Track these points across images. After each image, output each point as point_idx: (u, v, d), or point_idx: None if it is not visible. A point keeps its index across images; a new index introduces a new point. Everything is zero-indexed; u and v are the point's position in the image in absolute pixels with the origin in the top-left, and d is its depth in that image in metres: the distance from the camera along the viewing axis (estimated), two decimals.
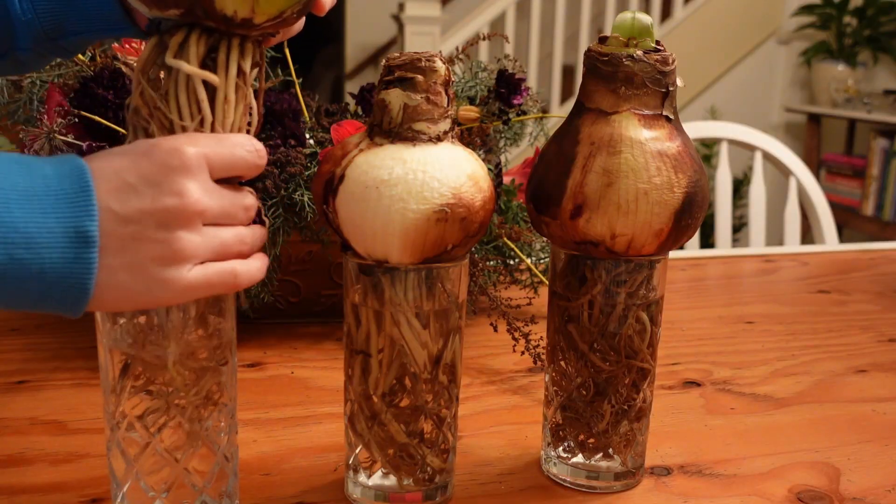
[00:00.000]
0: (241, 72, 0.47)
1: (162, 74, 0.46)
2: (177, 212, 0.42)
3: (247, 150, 0.46)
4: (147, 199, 0.42)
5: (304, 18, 0.52)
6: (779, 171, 1.64)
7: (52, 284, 0.40)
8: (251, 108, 0.49)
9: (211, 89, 0.46)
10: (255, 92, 0.49)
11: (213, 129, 0.46)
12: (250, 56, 0.48)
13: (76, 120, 0.77)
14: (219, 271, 0.45)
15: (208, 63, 0.46)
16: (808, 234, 1.75)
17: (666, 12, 3.65)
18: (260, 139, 0.49)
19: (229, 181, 0.47)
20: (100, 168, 0.42)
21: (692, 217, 0.54)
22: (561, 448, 0.60)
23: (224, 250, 0.45)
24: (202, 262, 0.44)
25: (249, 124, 0.49)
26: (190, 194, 0.43)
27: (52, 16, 0.57)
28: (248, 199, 0.47)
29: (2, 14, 0.56)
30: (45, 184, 0.41)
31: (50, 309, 0.42)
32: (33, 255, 0.40)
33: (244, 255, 0.47)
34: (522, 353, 0.80)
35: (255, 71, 0.48)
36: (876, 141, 3.41)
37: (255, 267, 0.47)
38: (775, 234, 2.13)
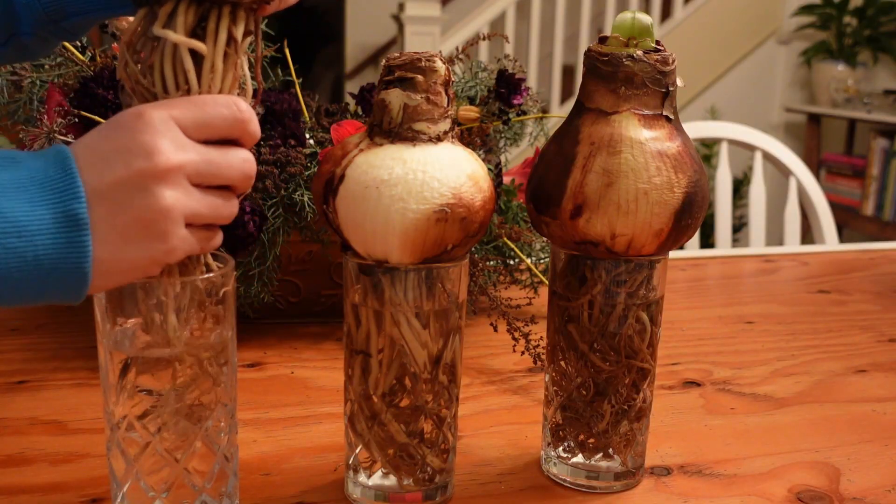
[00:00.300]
0: (231, 40, 0.46)
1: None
2: (150, 171, 0.42)
3: (221, 104, 0.44)
4: (120, 167, 0.42)
5: None
6: (779, 171, 1.64)
7: (49, 271, 0.40)
8: (244, 78, 0.48)
9: (199, 59, 0.45)
10: (251, 62, 0.48)
11: None
12: (242, 24, 0.46)
13: (76, 120, 0.77)
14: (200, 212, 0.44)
15: (198, 33, 0.45)
16: (808, 234, 1.75)
17: (666, 12, 3.65)
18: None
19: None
20: (78, 150, 0.42)
21: (692, 217, 0.54)
22: (561, 448, 0.60)
23: (214, 212, 0.45)
24: (194, 224, 0.44)
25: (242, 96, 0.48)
26: (160, 151, 0.42)
27: None
28: (242, 152, 0.46)
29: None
30: (30, 175, 0.41)
31: (53, 298, 0.42)
32: (26, 242, 0.40)
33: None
34: (522, 353, 0.80)
35: (248, 39, 0.47)
36: (876, 141, 3.41)
37: (233, 203, 0.47)
38: (775, 234, 2.13)
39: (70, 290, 0.42)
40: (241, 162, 0.46)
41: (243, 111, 0.45)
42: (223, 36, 0.45)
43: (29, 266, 0.40)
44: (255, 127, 0.46)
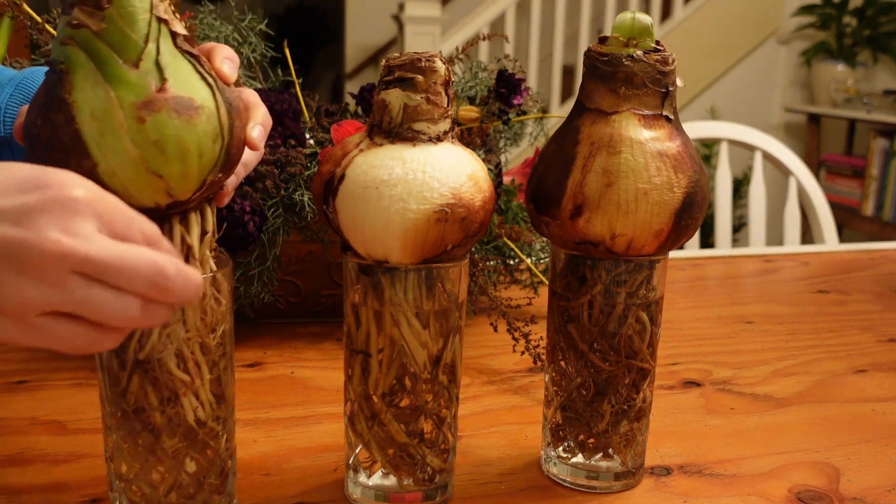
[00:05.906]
0: (185, 244, 0.47)
1: None
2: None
3: (146, 260, 0.38)
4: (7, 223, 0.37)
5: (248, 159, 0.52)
6: (779, 171, 1.64)
7: None
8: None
9: None
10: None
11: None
12: (196, 225, 0.47)
13: None
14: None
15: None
16: (808, 234, 1.75)
17: (666, 12, 3.65)
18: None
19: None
20: None
21: (692, 217, 0.54)
22: (561, 448, 0.60)
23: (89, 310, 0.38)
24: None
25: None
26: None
27: None
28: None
29: None
30: None
31: None
32: None
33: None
34: (522, 353, 0.80)
35: (206, 237, 0.48)
36: (876, 141, 3.41)
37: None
38: (775, 234, 2.13)
39: None
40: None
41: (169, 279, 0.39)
42: (177, 242, 0.46)
43: None
44: (177, 297, 0.39)
